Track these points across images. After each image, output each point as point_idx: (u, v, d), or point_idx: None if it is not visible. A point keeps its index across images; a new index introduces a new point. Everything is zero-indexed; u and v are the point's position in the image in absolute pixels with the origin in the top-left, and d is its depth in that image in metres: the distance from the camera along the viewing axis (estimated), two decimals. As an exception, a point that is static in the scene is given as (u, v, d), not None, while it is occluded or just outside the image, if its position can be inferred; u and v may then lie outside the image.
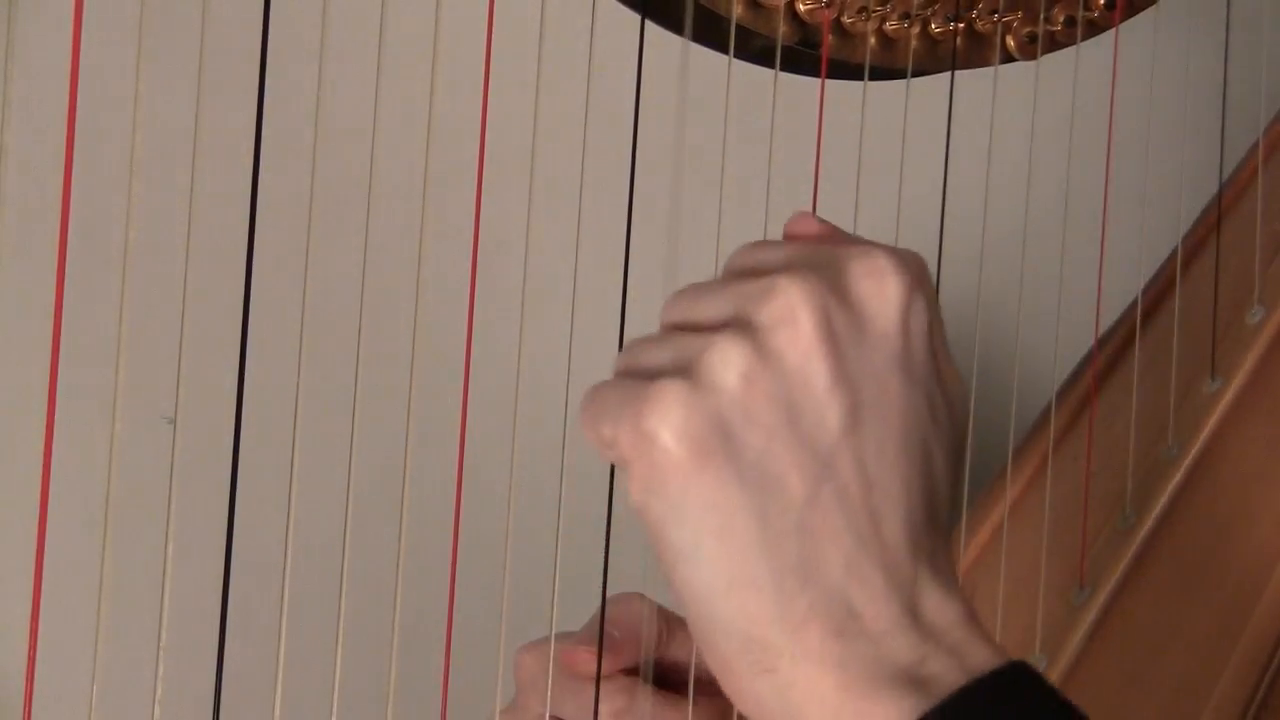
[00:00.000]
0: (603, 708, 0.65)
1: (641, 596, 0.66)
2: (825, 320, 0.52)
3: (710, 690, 0.59)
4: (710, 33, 0.73)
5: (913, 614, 0.53)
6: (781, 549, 0.52)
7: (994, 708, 0.52)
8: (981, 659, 0.53)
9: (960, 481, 0.57)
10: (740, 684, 0.53)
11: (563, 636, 0.66)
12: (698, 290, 0.56)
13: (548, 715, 0.66)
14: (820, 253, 0.55)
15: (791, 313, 0.52)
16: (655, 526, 0.53)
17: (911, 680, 0.52)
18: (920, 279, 0.55)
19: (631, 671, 0.67)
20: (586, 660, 0.65)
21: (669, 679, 0.67)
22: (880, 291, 0.54)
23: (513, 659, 0.68)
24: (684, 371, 0.52)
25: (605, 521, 0.64)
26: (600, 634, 0.65)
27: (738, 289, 0.54)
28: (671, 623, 0.67)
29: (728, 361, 0.52)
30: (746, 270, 0.55)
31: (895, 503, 0.53)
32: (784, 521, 0.52)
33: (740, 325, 0.53)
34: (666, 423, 0.51)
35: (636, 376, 0.54)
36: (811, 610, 0.52)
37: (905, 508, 0.53)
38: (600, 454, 0.54)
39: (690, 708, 0.64)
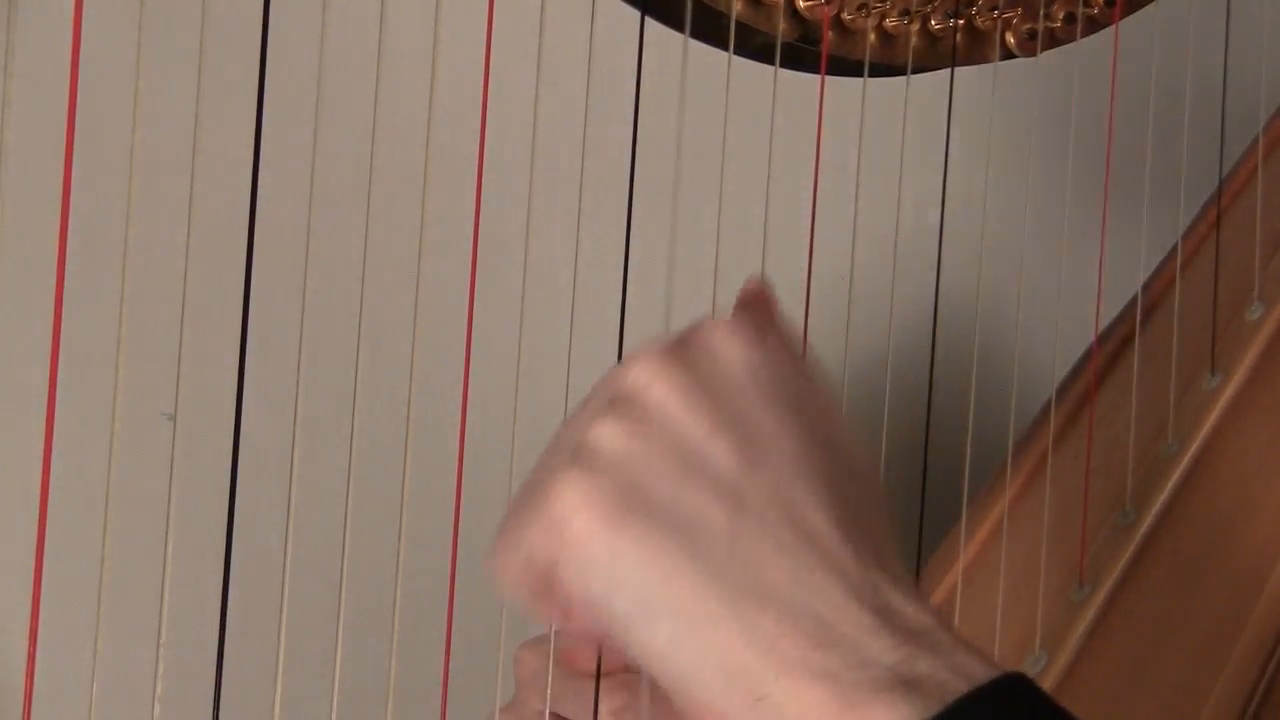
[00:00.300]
0: (602, 705, 0.65)
1: None
2: (677, 378, 0.55)
3: None
4: (710, 30, 0.73)
5: (883, 615, 0.53)
6: (725, 577, 0.52)
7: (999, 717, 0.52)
8: (976, 666, 0.53)
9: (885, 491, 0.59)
10: None
11: (563, 634, 0.66)
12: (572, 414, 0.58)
13: (548, 713, 0.66)
14: (666, 339, 0.58)
15: (647, 379, 0.55)
16: (603, 608, 0.53)
17: (903, 681, 0.51)
18: (761, 327, 0.58)
19: (631, 669, 0.67)
20: (586, 658, 0.65)
21: None
22: (725, 345, 0.56)
23: (513, 657, 0.68)
24: (571, 460, 0.54)
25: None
26: None
27: (600, 389, 0.56)
28: None
29: (606, 434, 0.54)
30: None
31: (818, 516, 0.54)
32: (716, 553, 0.53)
33: (610, 403, 0.55)
34: (571, 504, 0.53)
35: (535, 492, 0.55)
36: (779, 625, 0.52)
37: (831, 519, 0.54)
38: (522, 587, 0.55)
39: None
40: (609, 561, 0.53)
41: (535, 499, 0.54)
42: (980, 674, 0.52)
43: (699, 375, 0.56)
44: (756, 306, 0.60)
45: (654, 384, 0.55)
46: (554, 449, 0.56)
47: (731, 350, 0.56)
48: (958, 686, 0.52)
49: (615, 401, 0.55)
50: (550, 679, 0.65)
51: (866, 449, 0.59)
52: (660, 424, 0.54)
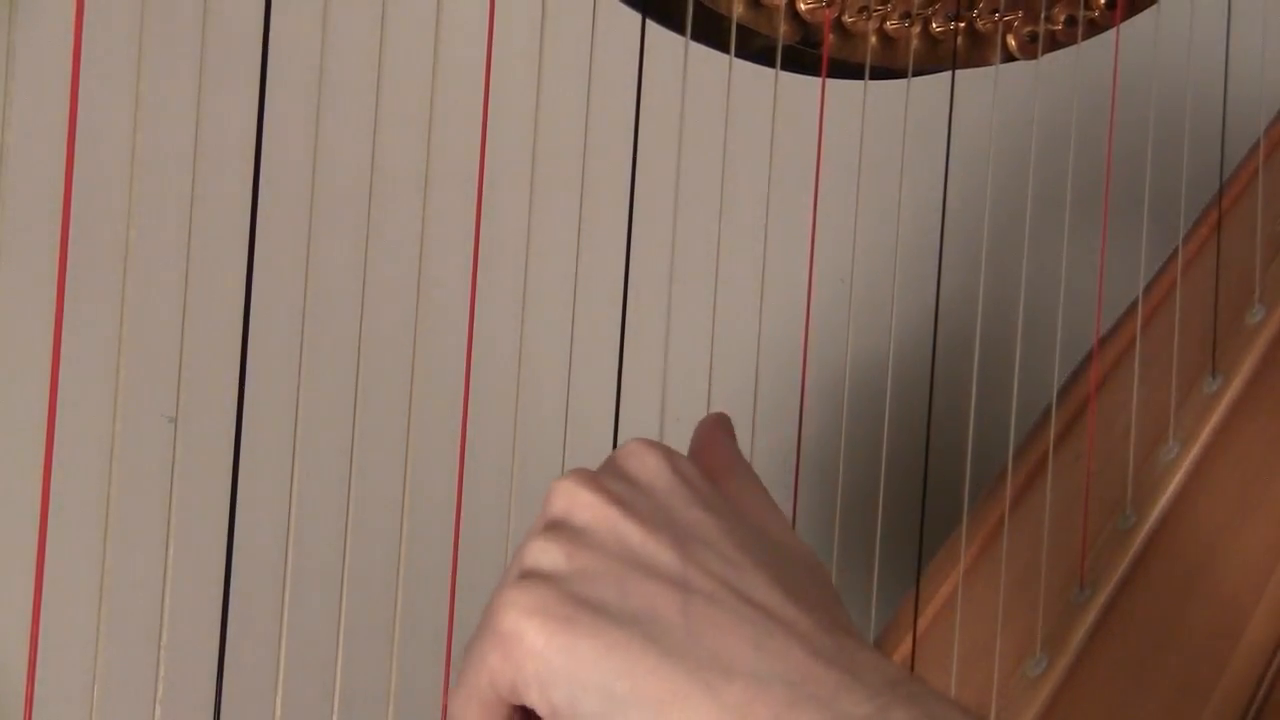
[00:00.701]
0: None
1: None
2: (602, 489, 0.56)
3: None
4: (711, 32, 0.73)
5: (851, 673, 0.53)
6: (686, 656, 0.53)
7: None
8: (954, 713, 0.53)
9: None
10: None
11: None
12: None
13: None
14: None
15: (571, 495, 0.56)
16: (569, 713, 0.53)
17: None
18: (677, 452, 0.60)
19: None
20: None
21: None
22: (642, 460, 0.58)
23: None
24: (514, 579, 0.55)
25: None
26: None
27: (535, 521, 0.58)
28: None
29: (544, 548, 0.55)
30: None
31: (769, 592, 0.55)
32: (674, 635, 0.53)
33: (540, 533, 0.56)
34: (519, 617, 0.53)
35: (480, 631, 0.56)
36: (747, 693, 0.52)
37: (782, 593, 0.55)
38: (488, 701, 0.55)
39: None
40: (567, 665, 0.53)
41: (485, 630, 0.54)
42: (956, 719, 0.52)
43: (623, 487, 0.57)
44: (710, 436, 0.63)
45: (578, 503, 0.56)
46: (496, 591, 0.57)
47: (649, 462, 0.58)
48: None
49: (547, 528, 0.56)
50: None
51: (804, 543, 0.60)
52: (595, 536, 0.56)
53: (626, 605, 0.54)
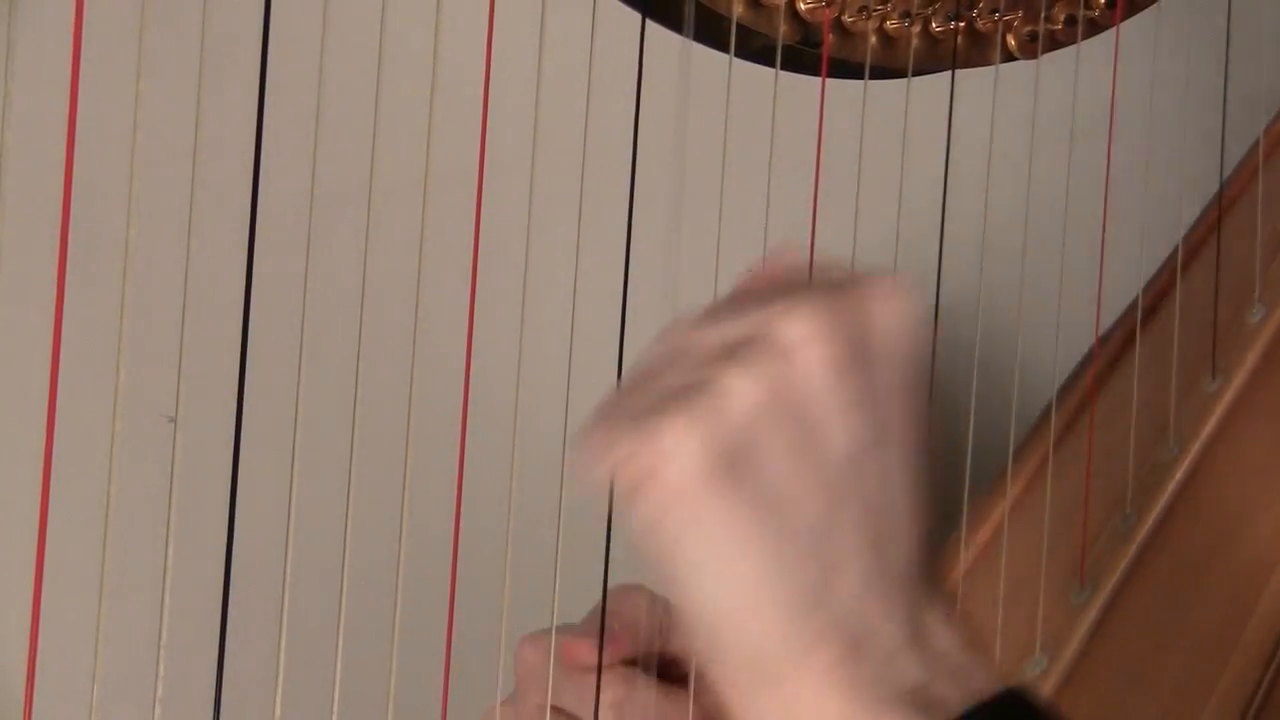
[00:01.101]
0: (603, 698, 0.65)
1: (641, 588, 0.66)
2: (843, 341, 0.52)
3: (710, 684, 0.59)
4: (711, 32, 0.73)
5: (919, 636, 0.53)
6: (796, 571, 0.51)
7: None
8: (981, 683, 0.52)
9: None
10: (744, 700, 0.53)
11: (564, 629, 0.66)
12: (708, 313, 0.55)
13: (548, 707, 0.66)
14: (831, 276, 0.55)
15: (805, 336, 0.52)
16: (665, 547, 0.52)
17: (918, 703, 0.51)
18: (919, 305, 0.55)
19: (632, 663, 0.67)
20: (587, 652, 0.65)
21: (670, 672, 0.67)
22: (892, 315, 0.53)
23: (514, 651, 0.68)
24: (701, 392, 0.51)
25: (606, 517, 0.64)
26: (601, 625, 0.65)
27: (753, 312, 0.53)
28: (673, 614, 0.67)
29: (740, 383, 0.51)
30: (757, 293, 0.55)
31: (905, 523, 0.53)
32: (800, 544, 0.51)
33: (757, 346, 0.52)
34: (683, 445, 0.51)
35: (646, 400, 0.53)
36: (821, 633, 0.51)
37: (914, 528, 0.53)
38: (595, 478, 0.53)
39: (690, 701, 0.64)
40: (692, 517, 0.51)
41: (651, 405, 0.51)
42: (984, 689, 0.52)
43: (856, 342, 0.52)
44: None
45: (811, 345, 0.51)
46: (679, 348, 0.53)
47: (893, 321, 0.53)
48: (961, 703, 0.52)
49: (760, 345, 0.52)
50: (550, 673, 0.65)
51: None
52: (801, 390, 0.51)
53: (778, 486, 0.51)
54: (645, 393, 0.53)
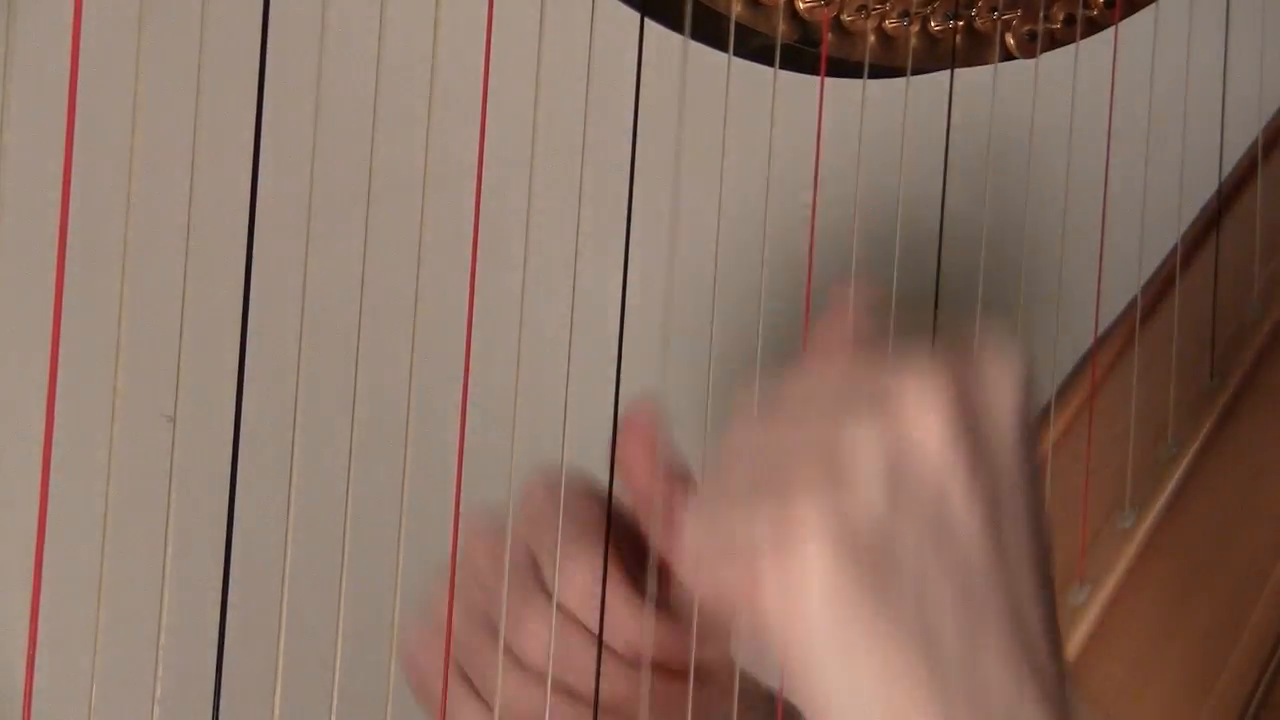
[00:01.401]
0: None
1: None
2: (960, 410, 0.48)
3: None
4: (710, 31, 0.73)
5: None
6: (950, 696, 0.46)
7: None
8: None
9: None
10: None
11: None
12: (812, 374, 0.51)
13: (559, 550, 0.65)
14: (939, 343, 0.52)
15: (932, 410, 0.48)
16: (792, 650, 0.47)
17: None
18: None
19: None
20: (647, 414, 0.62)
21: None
22: (1003, 381, 0.50)
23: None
24: (824, 470, 0.47)
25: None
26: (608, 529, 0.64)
27: (864, 376, 0.50)
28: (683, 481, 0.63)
29: (872, 458, 0.47)
30: (859, 358, 0.52)
31: (1036, 610, 0.49)
32: (949, 664, 0.47)
33: (875, 417, 0.48)
34: (812, 539, 0.46)
35: (757, 477, 0.48)
36: None
37: (1046, 605, 0.50)
38: (708, 566, 0.48)
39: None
40: (825, 619, 0.46)
41: (769, 487, 0.47)
42: None
43: (977, 409, 0.49)
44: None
45: (936, 408, 0.48)
46: (793, 415, 0.48)
47: (1012, 380, 0.50)
48: None
49: (888, 417, 0.48)
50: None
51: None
52: (926, 464, 0.47)
53: (918, 593, 0.46)
54: (749, 475, 0.49)
